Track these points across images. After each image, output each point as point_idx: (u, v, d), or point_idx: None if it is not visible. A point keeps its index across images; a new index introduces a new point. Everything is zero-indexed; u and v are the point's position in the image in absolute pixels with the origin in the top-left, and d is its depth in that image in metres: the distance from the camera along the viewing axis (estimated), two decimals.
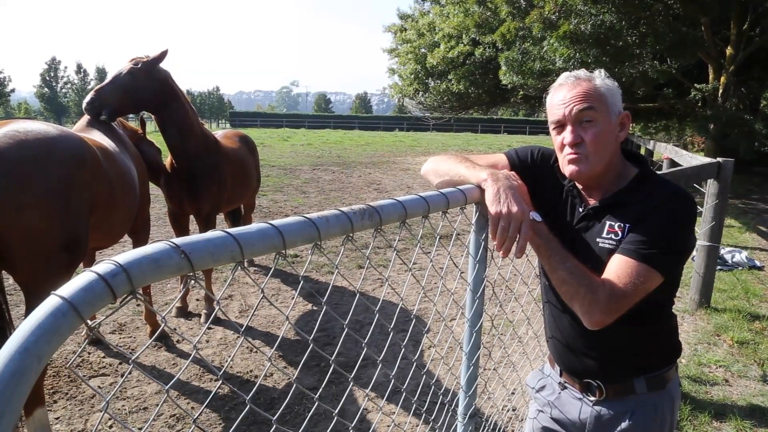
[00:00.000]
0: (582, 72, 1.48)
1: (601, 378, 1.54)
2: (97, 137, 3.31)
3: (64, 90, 75.13)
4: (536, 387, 1.73)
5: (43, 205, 2.51)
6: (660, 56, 10.19)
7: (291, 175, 14.50)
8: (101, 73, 73.68)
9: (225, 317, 4.73)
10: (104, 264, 0.62)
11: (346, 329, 1.07)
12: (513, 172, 1.52)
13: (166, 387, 0.70)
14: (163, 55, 3.86)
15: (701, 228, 4.98)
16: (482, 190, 1.39)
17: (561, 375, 1.65)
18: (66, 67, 70.02)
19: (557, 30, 8.22)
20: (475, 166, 1.49)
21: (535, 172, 1.61)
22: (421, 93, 20.06)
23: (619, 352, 1.52)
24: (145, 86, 3.78)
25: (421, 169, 1.69)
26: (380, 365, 1.20)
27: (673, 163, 7.48)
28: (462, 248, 6.65)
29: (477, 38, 14.09)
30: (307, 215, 0.84)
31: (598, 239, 1.44)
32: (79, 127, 3.59)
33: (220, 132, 5.32)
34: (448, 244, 6.87)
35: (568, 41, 8.19)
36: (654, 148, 10.95)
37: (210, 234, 0.72)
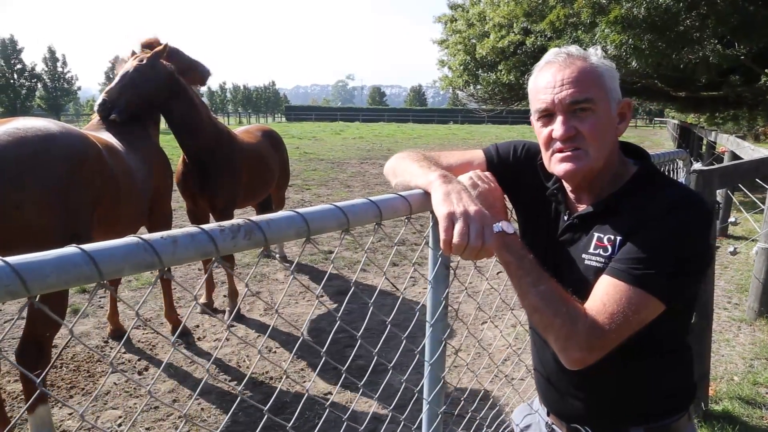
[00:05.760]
0: (574, 48, 1.19)
1: (590, 424, 1.27)
2: (104, 135, 3.32)
3: None
4: (521, 425, 1.48)
5: (42, 201, 2.51)
6: (725, 39, 9.40)
7: (338, 169, 14.50)
8: None
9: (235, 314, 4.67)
10: None
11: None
12: (486, 173, 1.28)
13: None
14: (163, 50, 3.93)
15: (762, 228, 4.51)
16: (428, 195, 1.12)
17: (548, 415, 1.39)
18: None
19: (607, 15, 7.72)
20: (430, 165, 1.21)
21: (517, 171, 1.34)
22: (471, 84, 19.58)
23: (613, 395, 1.23)
24: (152, 80, 3.80)
25: (384, 168, 1.44)
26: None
27: (734, 156, 6.88)
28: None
29: (528, 27, 13.54)
30: (143, 236, 0.67)
31: (584, 255, 1.17)
32: (90, 126, 3.64)
33: (242, 127, 5.29)
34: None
35: (620, 26, 7.66)
36: (716, 140, 10.18)
37: None
